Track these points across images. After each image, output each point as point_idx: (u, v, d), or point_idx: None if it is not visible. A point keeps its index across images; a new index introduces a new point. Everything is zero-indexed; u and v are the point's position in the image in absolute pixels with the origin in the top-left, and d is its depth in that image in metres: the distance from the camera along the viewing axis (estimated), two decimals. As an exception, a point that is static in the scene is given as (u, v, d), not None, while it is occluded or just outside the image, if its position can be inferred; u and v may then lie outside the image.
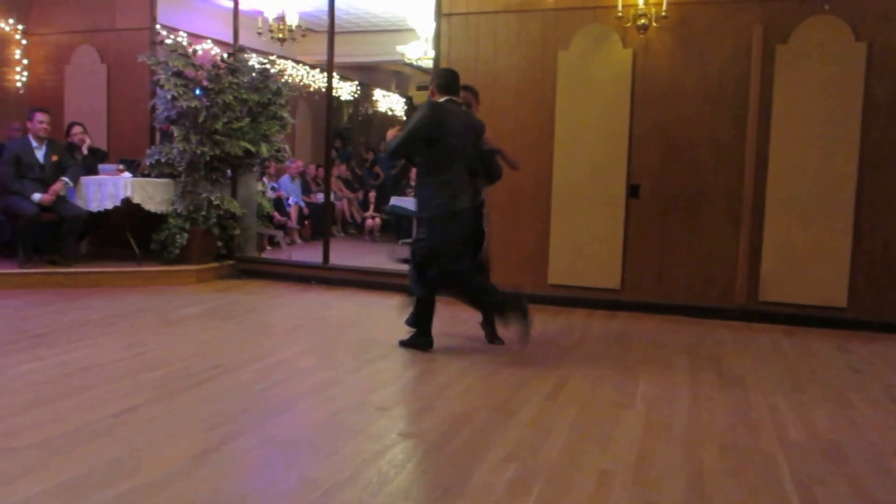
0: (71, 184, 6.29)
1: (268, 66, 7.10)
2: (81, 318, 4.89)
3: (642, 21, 5.47)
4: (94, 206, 6.35)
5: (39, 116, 6.32)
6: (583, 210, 5.77)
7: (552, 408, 3.35)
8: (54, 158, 6.31)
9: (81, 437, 2.79)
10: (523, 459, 2.73)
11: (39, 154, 6.27)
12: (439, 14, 6.09)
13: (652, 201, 5.67)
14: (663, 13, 5.42)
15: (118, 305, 5.36)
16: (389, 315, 5.53)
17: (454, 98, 4.32)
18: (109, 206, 6.35)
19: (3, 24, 7.46)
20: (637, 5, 5.45)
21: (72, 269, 6.14)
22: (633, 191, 5.69)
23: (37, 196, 6.06)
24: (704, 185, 5.55)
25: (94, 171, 6.59)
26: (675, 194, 5.62)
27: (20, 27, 7.61)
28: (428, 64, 8.79)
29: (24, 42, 7.69)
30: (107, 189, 6.35)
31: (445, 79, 4.35)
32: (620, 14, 5.47)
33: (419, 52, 9.17)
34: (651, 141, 5.64)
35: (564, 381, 3.78)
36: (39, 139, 6.29)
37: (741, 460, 2.80)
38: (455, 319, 5.33)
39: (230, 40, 7.37)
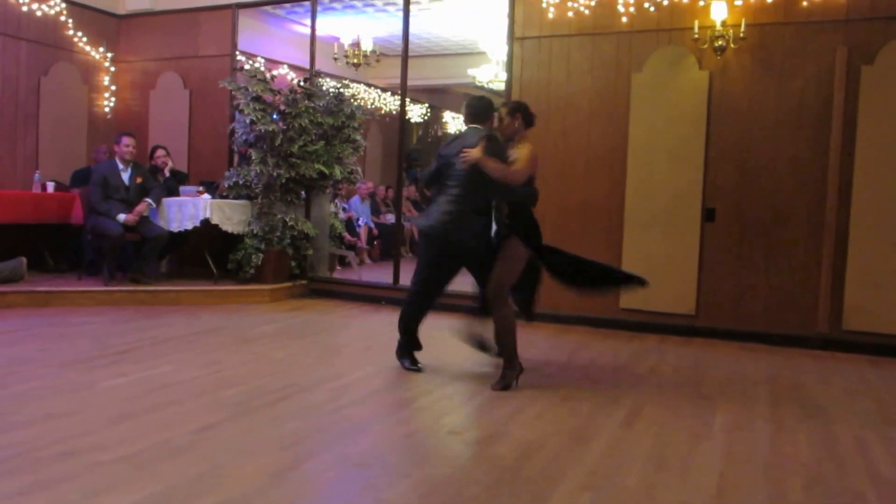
0: (154, 205, 6.58)
1: (342, 90, 7.29)
2: (162, 335, 5.08)
3: (719, 43, 5.37)
4: (175, 227, 6.63)
5: (126, 140, 6.66)
6: (656, 233, 5.67)
7: (627, 436, 3.27)
8: (138, 180, 6.63)
9: (164, 452, 2.88)
10: (599, 488, 2.67)
11: (125, 176, 6.59)
12: (512, 38, 6.14)
13: (728, 225, 5.51)
14: (741, 34, 5.31)
15: (196, 323, 5.55)
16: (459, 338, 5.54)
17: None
18: (189, 226, 6.61)
19: (93, 53, 7.91)
20: (714, 27, 5.36)
21: (153, 288, 6.40)
22: (708, 214, 5.55)
23: (122, 216, 6.36)
24: (784, 209, 5.37)
25: (175, 193, 6.89)
26: (752, 218, 5.45)
27: (109, 55, 8.06)
28: (499, 87, 8.84)
29: (112, 69, 8.14)
30: (187, 210, 6.62)
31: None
32: (697, 36, 5.38)
33: (490, 74, 9.24)
34: (728, 163, 5.50)
35: (639, 408, 3.70)
36: (125, 162, 6.62)
37: (828, 497, 2.67)
38: (528, 343, 5.29)
39: (306, 65, 7.62)
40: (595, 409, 3.66)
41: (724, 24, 5.35)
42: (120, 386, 3.78)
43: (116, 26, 8.12)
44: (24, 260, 6.31)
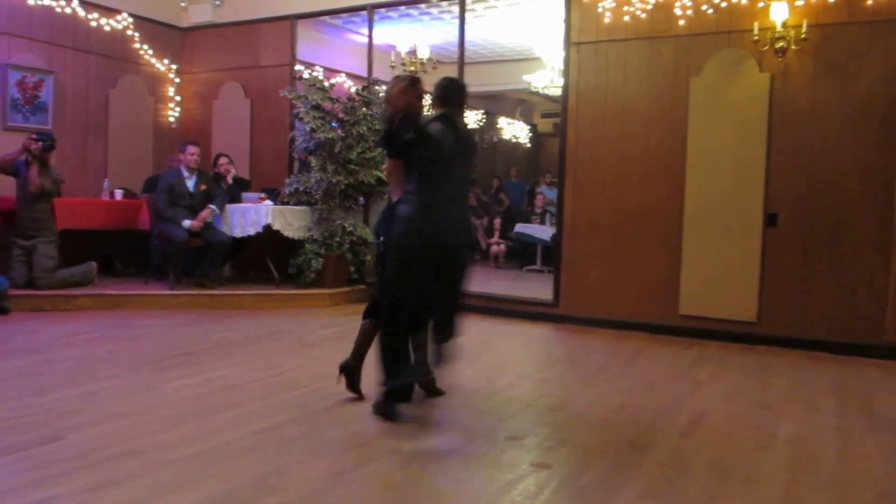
0: (217, 211, 6.77)
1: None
2: (225, 338, 5.22)
3: (780, 44, 5.22)
4: (238, 232, 6.80)
5: (191, 149, 6.87)
6: (716, 238, 5.53)
7: (688, 445, 3.20)
8: (202, 187, 6.83)
9: (228, 452, 2.95)
10: (660, 498, 2.62)
11: (190, 183, 6.80)
12: (568, 43, 6.09)
13: (791, 230, 5.34)
14: (803, 35, 5.15)
15: (258, 326, 5.67)
16: (517, 342, 5.54)
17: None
18: (251, 232, 6.78)
19: (159, 65, 8.19)
20: (775, 28, 5.21)
21: (216, 292, 6.58)
22: (770, 219, 5.39)
23: (187, 222, 6.57)
24: (849, 213, 5.17)
25: (237, 199, 7.07)
26: (816, 223, 5.26)
27: (174, 67, 8.34)
28: (555, 92, 8.79)
29: (177, 80, 8.41)
30: (249, 216, 6.79)
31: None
32: (757, 38, 5.24)
33: (545, 80, 9.19)
34: (790, 167, 5.33)
35: (700, 417, 3.61)
36: (190, 170, 6.83)
37: (908, 517, 2.55)
38: (586, 349, 5.24)
39: (363, 73, 7.72)
40: (654, 417, 3.59)
41: (784, 24, 5.19)
42: (185, 387, 3.89)
43: (180, 39, 8.40)
44: (94, 264, 6.58)
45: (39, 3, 6.96)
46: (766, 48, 5.28)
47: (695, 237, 5.61)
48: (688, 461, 2.99)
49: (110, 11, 7.61)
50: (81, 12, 7.32)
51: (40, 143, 6.15)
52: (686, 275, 5.63)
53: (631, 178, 5.85)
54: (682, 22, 5.62)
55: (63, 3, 7.16)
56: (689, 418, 3.58)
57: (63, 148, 6.91)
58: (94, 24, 7.46)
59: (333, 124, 6.94)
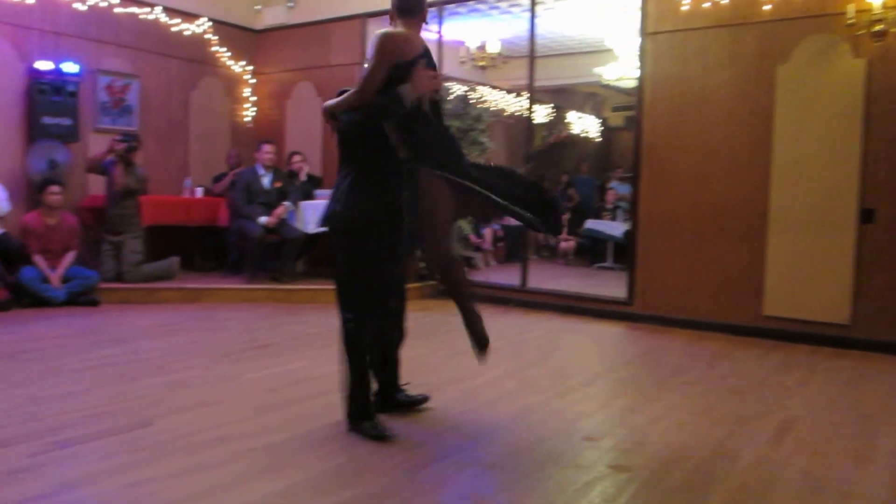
0: (292, 207, 6.93)
1: (468, 93, 7.35)
2: (300, 331, 5.32)
3: (878, 27, 4.92)
4: (311, 229, 6.93)
5: (266, 147, 7.04)
6: (805, 235, 5.27)
7: (777, 453, 3.05)
8: (278, 185, 6.99)
9: (308, 443, 3.01)
10: (750, 507, 2.51)
11: (266, 181, 6.97)
12: (644, 33, 5.93)
13: (890, 227, 5.03)
14: (905, 16, 4.85)
15: (331, 321, 5.68)
16: (589, 341, 5.44)
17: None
18: (324, 228, 6.88)
19: (235, 67, 8.43)
20: (872, 10, 4.93)
21: (291, 286, 6.73)
22: (866, 215, 5.09)
23: (263, 219, 6.74)
24: (957, 209, 4.84)
25: (311, 196, 7.21)
26: (919, 218, 4.95)
27: (249, 68, 8.57)
28: (627, 85, 8.60)
29: (252, 81, 8.64)
30: (322, 212, 6.89)
31: None
32: (852, 21, 4.97)
33: (617, 72, 8.99)
34: (890, 160, 5.02)
35: (789, 424, 3.44)
36: (266, 168, 7.00)
37: None
38: (662, 349, 5.11)
39: (432, 70, 7.73)
40: (740, 423, 3.45)
41: (884, 6, 4.90)
42: (264, 378, 3.99)
43: (255, 41, 8.62)
44: (176, 259, 6.84)
45: (126, 10, 7.27)
46: (862, 32, 5.00)
47: (781, 234, 5.36)
48: (778, 471, 2.86)
49: (190, 16, 7.88)
50: (164, 18, 7.60)
51: (124, 144, 6.43)
52: (771, 273, 5.40)
53: (711, 172, 5.65)
54: (767, 7, 5.38)
55: (147, 9, 7.45)
56: (778, 425, 3.42)
57: (147, 148, 7.20)
58: (175, 29, 7.74)
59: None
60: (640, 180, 6.01)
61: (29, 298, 5.79)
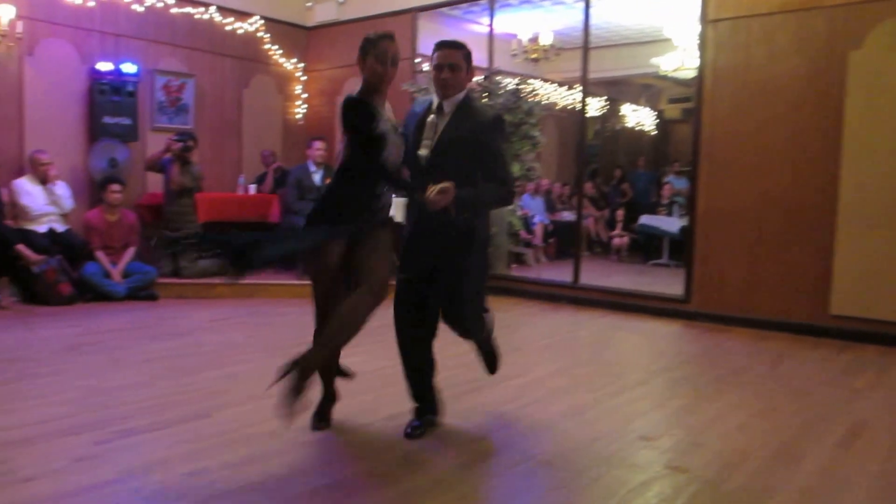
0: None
1: (520, 86, 7.32)
2: (352, 326, 5.40)
3: (958, 8, 4.72)
4: (362, 225, 7.02)
5: (317, 144, 7.16)
6: (877, 231, 5.07)
7: (846, 458, 2.97)
8: (328, 181, 7.09)
9: (361, 437, 3.07)
10: (815, 512, 2.45)
11: (317, 177, 7.10)
12: (704, 20, 5.80)
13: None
14: None
15: (384, 316, 5.78)
16: (643, 339, 5.38)
17: None
18: (375, 224, 6.97)
19: (287, 64, 8.59)
20: (951, -10, 4.72)
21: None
22: (942, 209, 4.89)
23: (315, 215, 6.86)
24: None
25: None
26: None
27: (300, 65, 8.72)
28: (685, 75, 8.43)
29: (303, 78, 8.79)
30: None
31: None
32: (928, 2, 4.77)
33: (675, 62, 8.82)
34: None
35: (859, 428, 3.34)
36: (317, 164, 7.12)
37: None
38: (721, 348, 5.01)
39: (482, 64, 7.72)
40: (805, 425, 3.36)
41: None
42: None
43: (306, 38, 8.76)
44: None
45: (181, 10, 7.49)
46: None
47: (851, 230, 5.18)
48: (847, 476, 2.78)
49: (243, 15, 8.06)
50: (218, 17, 7.80)
51: (179, 144, 6.62)
52: (839, 271, 5.23)
53: (775, 166, 5.50)
54: (837, -9, 5.21)
55: (202, 9, 7.66)
56: (847, 428, 3.32)
57: (202, 146, 7.40)
58: (228, 28, 7.93)
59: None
60: (698, 174, 5.89)
61: (92, 293, 6.04)
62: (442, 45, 2.95)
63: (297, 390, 2.70)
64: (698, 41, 5.91)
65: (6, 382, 3.71)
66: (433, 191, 2.68)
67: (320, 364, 2.90)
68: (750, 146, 5.59)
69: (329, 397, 3.22)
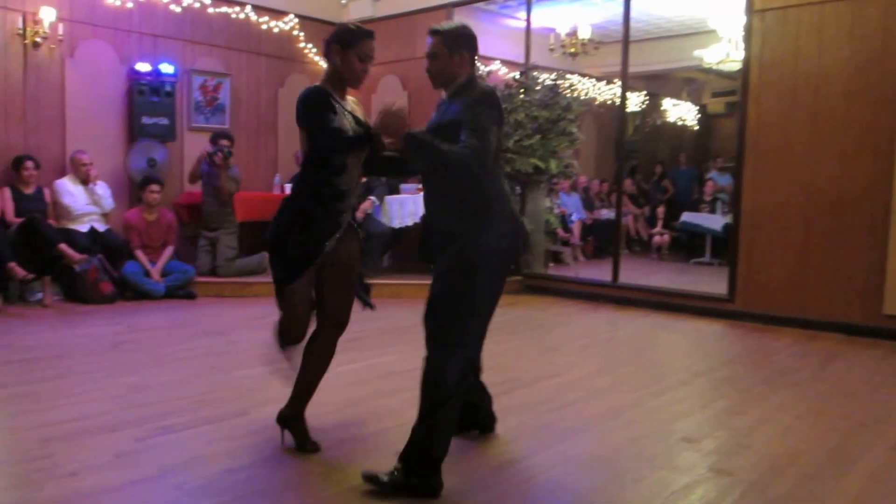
0: (377, 202, 7.08)
1: (557, 81, 7.28)
2: (386, 325, 5.43)
3: None
4: (397, 223, 7.08)
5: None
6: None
7: (900, 462, 2.89)
8: (363, 179, 7.15)
9: (396, 436, 3.06)
10: (868, 518, 2.39)
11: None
12: (751, 10, 5.68)
13: None
14: None
15: (416, 315, 5.80)
16: (686, 339, 5.30)
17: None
18: (409, 222, 7.02)
19: (322, 63, 8.61)
20: None
21: (376, 281, 6.84)
22: None
23: (350, 214, 6.92)
24: None
25: (396, 191, 7.34)
26: None
27: (337, 63, 8.78)
28: (730, 68, 8.29)
29: (343, 78, 8.85)
30: (407, 207, 7.04)
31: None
32: None
33: (720, 54, 8.67)
34: None
35: (914, 431, 3.25)
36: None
37: None
38: (767, 349, 4.92)
39: (518, 59, 7.70)
40: (855, 428, 3.28)
41: None
42: (351, 371, 4.10)
43: (342, 35, 8.82)
44: (266, 255, 7.11)
45: (218, 10, 7.61)
46: None
47: (904, 226, 5.04)
48: (900, 478, 2.71)
49: (278, 14, 8.16)
50: (253, 16, 7.91)
51: (219, 154, 6.71)
52: (894, 268, 5.07)
53: (825, 160, 5.37)
54: (891, -23, 5.07)
55: (238, 8, 7.78)
56: (900, 431, 3.24)
57: (238, 146, 7.51)
58: (264, 27, 8.04)
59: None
60: (743, 170, 5.79)
61: (131, 291, 6.19)
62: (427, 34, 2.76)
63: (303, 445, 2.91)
64: (744, 32, 5.80)
65: (50, 379, 3.83)
66: (390, 105, 2.50)
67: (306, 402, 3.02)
68: (798, 140, 5.47)
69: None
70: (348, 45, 2.75)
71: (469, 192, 2.60)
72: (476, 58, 2.74)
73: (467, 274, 2.58)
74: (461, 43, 2.69)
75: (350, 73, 2.77)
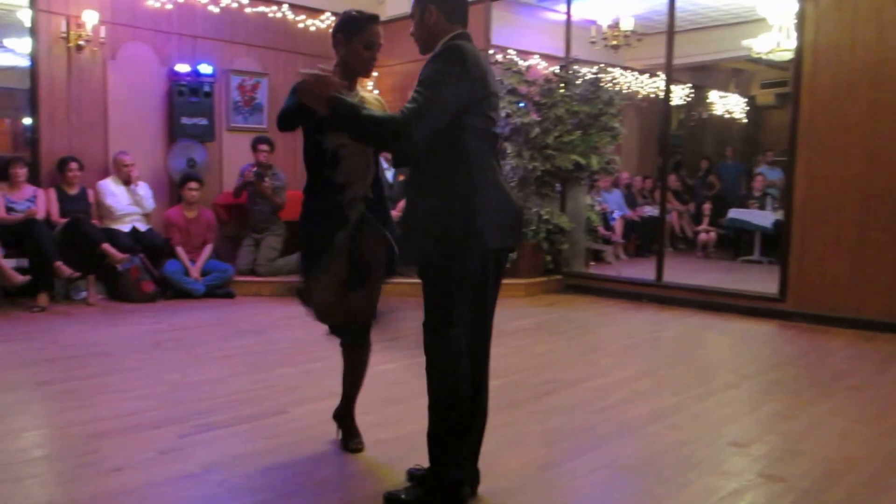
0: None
1: (599, 75, 7.21)
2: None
3: None
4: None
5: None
6: None
7: (966, 469, 2.80)
8: (401, 178, 7.19)
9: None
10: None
11: (389, 175, 7.18)
12: (804, -3, 5.56)
13: None
14: None
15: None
16: (734, 340, 5.21)
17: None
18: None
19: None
20: None
21: (415, 280, 6.88)
22: None
23: (393, 213, 6.96)
24: None
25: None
26: None
27: (374, 61, 8.84)
28: (781, 57, 8.10)
29: (375, 74, 8.91)
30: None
31: None
32: None
33: (770, 43, 8.47)
34: None
35: (980, 437, 3.14)
36: (388, 161, 7.21)
37: None
38: (821, 350, 4.80)
39: (557, 53, 7.65)
40: (917, 432, 3.18)
41: None
42: (390, 371, 4.11)
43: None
44: (304, 254, 7.20)
45: (255, 10, 7.73)
46: None
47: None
48: (965, 486, 2.62)
49: (315, 12, 8.24)
50: (290, 15, 8.01)
51: (253, 175, 6.82)
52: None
53: (884, 153, 5.20)
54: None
55: (275, 7, 7.88)
56: (965, 436, 3.13)
57: (278, 146, 7.62)
58: (300, 25, 8.13)
59: (521, 104, 6.97)
60: (795, 164, 5.65)
61: (172, 290, 6.33)
62: None
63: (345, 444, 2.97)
64: (796, 19, 5.67)
65: (93, 376, 3.94)
66: (319, 70, 2.33)
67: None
68: (854, 132, 5.32)
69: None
70: (352, 33, 2.69)
71: (438, 173, 2.35)
72: (452, 14, 2.45)
73: (449, 264, 2.37)
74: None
75: (357, 62, 2.71)
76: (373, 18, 2.76)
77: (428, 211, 2.38)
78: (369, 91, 2.89)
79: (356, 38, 2.69)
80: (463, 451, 2.45)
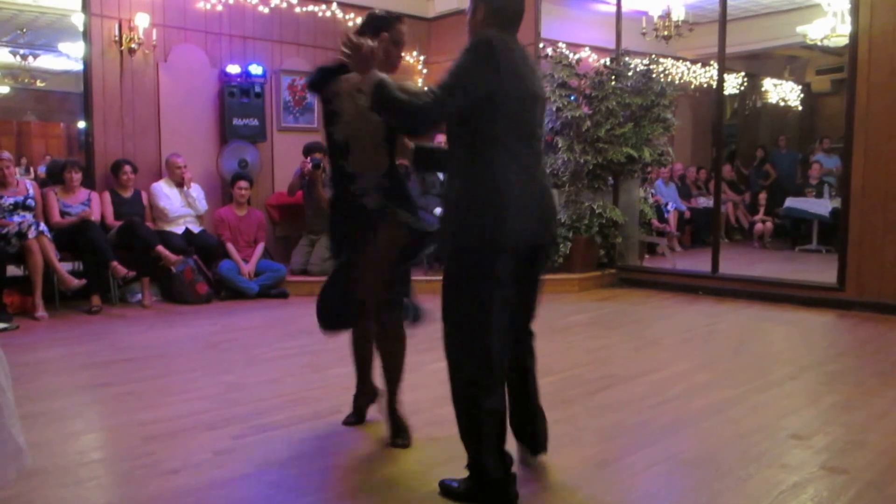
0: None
1: (650, 66, 7.17)
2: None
3: None
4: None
5: (438, 138, 7.30)
6: None
7: None
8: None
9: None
10: None
11: (440, 174, 7.26)
12: (859, -19, 5.45)
13: None
14: None
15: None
16: (792, 331, 5.15)
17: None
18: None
19: (408, 57, 8.80)
20: None
21: (433, 278, 6.94)
22: None
23: (438, 210, 7.03)
24: None
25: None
26: None
27: (421, 58, 8.91)
28: (836, 43, 7.92)
29: (424, 71, 8.99)
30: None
31: None
32: None
33: (825, 29, 8.29)
34: None
35: None
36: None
37: None
38: (883, 340, 4.70)
39: (608, 45, 7.60)
40: None
41: None
42: (442, 370, 4.15)
43: (427, 29, 8.94)
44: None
45: (304, 10, 7.88)
46: None
47: None
48: None
49: (364, 10, 8.31)
50: (339, 14, 8.13)
51: (310, 165, 6.92)
52: None
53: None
54: None
55: (324, 7, 8.02)
56: None
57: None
58: (350, 24, 8.24)
59: (572, 98, 6.96)
60: (853, 151, 5.55)
61: (226, 290, 6.50)
62: None
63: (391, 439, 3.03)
64: (851, 4, 5.56)
65: (150, 379, 4.03)
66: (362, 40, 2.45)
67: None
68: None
69: (367, 393, 3.33)
70: (378, 30, 2.83)
71: (466, 168, 2.40)
72: (498, 15, 2.45)
73: (468, 260, 2.41)
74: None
75: (383, 59, 2.76)
76: (398, 18, 2.94)
77: (455, 208, 2.45)
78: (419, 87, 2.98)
79: (383, 35, 2.81)
80: (496, 452, 2.48)
